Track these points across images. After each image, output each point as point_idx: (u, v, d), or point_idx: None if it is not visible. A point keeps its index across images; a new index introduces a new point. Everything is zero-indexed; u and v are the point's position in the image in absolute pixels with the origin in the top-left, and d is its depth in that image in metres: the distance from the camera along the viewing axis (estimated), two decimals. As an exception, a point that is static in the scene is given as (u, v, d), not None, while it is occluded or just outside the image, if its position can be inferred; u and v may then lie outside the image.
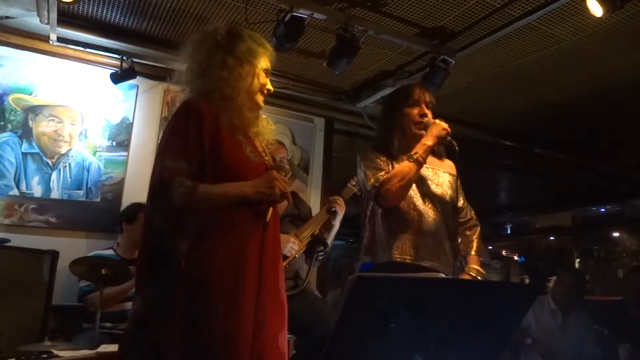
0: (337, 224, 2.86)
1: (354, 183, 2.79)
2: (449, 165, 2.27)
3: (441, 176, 2.19)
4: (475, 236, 2.22)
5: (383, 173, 2.03)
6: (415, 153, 2.01)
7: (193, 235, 1.48)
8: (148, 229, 1.57)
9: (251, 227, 1.54)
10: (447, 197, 2.15)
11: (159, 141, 1.63)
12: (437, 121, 2.08)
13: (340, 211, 2.81)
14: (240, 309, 1.44)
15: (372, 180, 2.03)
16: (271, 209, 1.60)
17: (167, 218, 1.50)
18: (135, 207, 3.18)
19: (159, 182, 1.48)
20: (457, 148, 2.06)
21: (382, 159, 2.11)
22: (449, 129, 2.06)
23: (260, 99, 1.71)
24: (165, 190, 1.45)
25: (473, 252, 2.16)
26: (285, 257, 2.56)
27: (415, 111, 2.14)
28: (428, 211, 2.07)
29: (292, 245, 2.60)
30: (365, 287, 1.32)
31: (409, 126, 2.14)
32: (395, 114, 2.18)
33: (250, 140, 1.66)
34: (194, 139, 1.51)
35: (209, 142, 1.52)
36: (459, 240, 2.18)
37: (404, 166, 2.00)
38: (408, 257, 2.00)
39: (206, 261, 1.46)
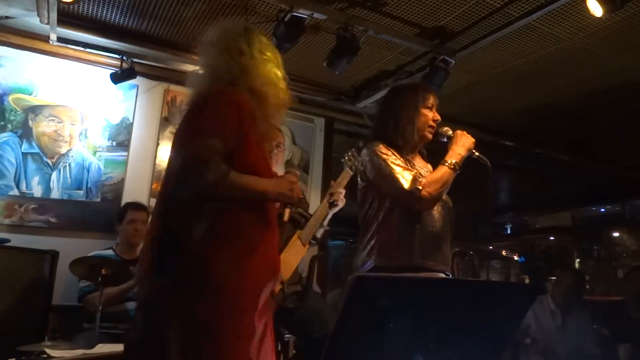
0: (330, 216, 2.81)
1: (348, 163, 2.60)
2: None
3: None
4: None
5: (415, 175, 2.00)
6: (453, 161, 2.01)
7: (208, 224, 1.46)
8: (160, 218, 1.53)
9: (264, 225, 1.55)
10: (450, 203, 2.15)
11: (188, 118, 1.60)
12: (464, 132, 2.09)
13: (342, 204, 2.70)
14: (251, 307, 1.45)
15: (410, 183, 1.97)
16: (288, 210, 1.69)
17: (195, 195, 1.47)
18: (125, 207, 3.24)
19: (198, 158, 1.44)
20: (488, 164, 2.06)
21: (399, 156, 2.07)
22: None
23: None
24: (203, 168, 1.42)
25: None
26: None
27: (431, 115, 2.14)
28: (439, 216, 2.06)
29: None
30: (365, 287, 1.32)
31: (424, 127, 2.13)
32: (412, 111, 2.14)
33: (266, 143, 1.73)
34: (231, 127, 1.51)
35: (243, 134, 1.53)
36: None
37: (445, 173, 2.00)
38: (430, 262, 1.98)
39: (216, 254, 1.44)
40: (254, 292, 1.47)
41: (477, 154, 2.08)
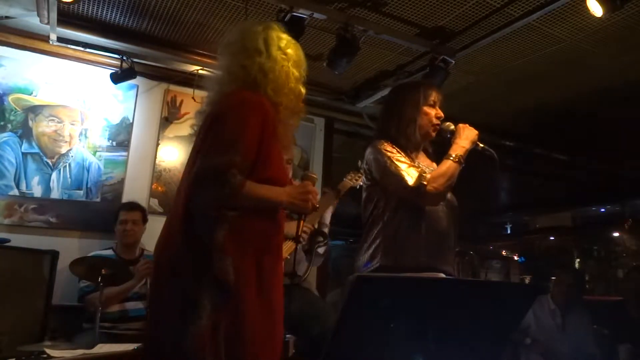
0: (328, 216, 2.80)
1: (349, 177, 2.72)
2: None
3: None
4: None
5: (420, 171, 1.99)
6: (457, 154, 2.00)
7: (229, 229, 1.48)
8: (184, 221, 1.52)
9: (275, 230, 1.60)
10: (455, 202, 2.14)
11: (211, 124, 1.57)
12: (467, 125, 2.08)
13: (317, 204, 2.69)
14: (276, 309, 1.53)
15: (415, 179, 1.95)
16: (301, 225, 1.69)
17: (212, 205, 1.49)
18: (118, 207, 3.25)
19: (215, 170, 1.46)
20: (495, 155, 2.06)
21: (403, 155, 2.05)
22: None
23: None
24: (219, 179, 1.44)
25: None
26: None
27: (433, 112, 2.13)
28: (444, 216, 2.05)
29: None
30: (365, 287, 1.32)
31: (427, 125, 2.12)
32: (413, 110, 2.13)
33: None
34: (253, 140, 1.52)
35: (265, 145, 1.54)
36: None
37: (450, 166, 1.98)
38: (436, 262, 1.97)
39: (236, 255, 1.48)
40: (266, 287, 1.51)
41: (481, 145, 2.07)
